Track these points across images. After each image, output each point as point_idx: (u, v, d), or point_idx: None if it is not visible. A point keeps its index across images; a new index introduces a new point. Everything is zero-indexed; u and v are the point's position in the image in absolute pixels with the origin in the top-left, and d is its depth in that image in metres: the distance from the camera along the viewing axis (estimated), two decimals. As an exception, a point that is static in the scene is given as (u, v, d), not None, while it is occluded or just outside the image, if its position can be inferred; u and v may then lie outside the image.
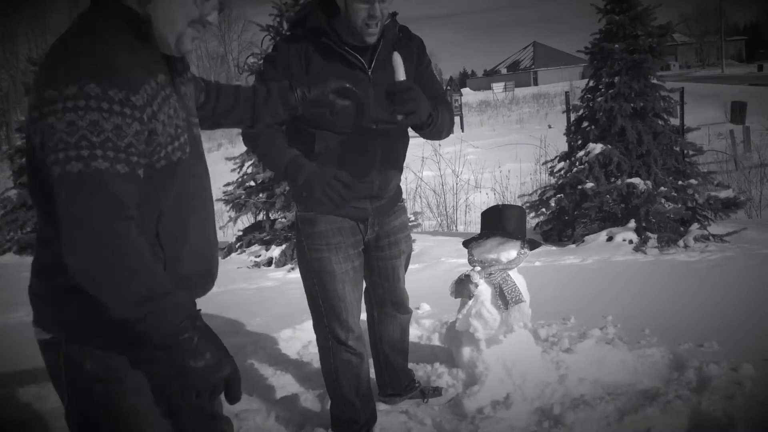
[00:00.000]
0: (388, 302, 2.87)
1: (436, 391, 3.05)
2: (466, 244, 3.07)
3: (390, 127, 2.46)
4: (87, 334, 1.42)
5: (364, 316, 2.84)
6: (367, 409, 2.74)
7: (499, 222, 2.94)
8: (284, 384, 3.30)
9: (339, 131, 2.43)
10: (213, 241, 1.61)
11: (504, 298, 2.89)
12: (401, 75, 2.23)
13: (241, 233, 7.06)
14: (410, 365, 3.19)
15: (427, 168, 10.16)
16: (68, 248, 1.27)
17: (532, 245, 3.02)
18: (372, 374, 2.98)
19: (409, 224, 6.23)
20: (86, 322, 1.39)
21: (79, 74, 1.27)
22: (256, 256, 6.61)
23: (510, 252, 2.94)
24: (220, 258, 7.50)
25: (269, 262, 6.50)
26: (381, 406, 2.93)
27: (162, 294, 1.30)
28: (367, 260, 2.73)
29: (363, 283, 2.74)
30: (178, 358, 1.30)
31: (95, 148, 1.26)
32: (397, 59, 2.25)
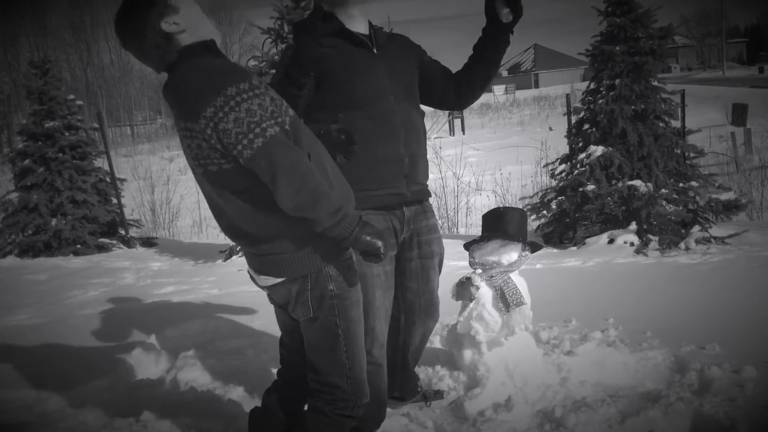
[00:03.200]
0: (417, 306, 2.81)
1: (438, 394, 3.04)
2: (467, 246, 3.07)
3: (406, 99, 2.62)
4: (323, 265, 2.01)
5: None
6: (379, 417, 2.67)
7: (500, 224, 2.94)
8: (285, 387, 3.30)
9: (362, 106, 2.49)
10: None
11: (505, 300, 2.89)
12: None
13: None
14: (412, 368, 3.19)
15: (428, 170, 10.14)
16: (290, 189, 1.81)
17: (533, 248, 3.02)
18: None
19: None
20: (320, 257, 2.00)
21: (226, 81, 1.81)
22: (257, 259, 6.60)
23: (511, 254, 2.94)
24: (221, 261, 7.41)
25: (270, 265, 6.49)
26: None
27: (343, 205, 1.88)
28: (397, 262, 2.70)
29: (393, 289, 2.68)
30: (363, 239, 1.91)
31: (264, 121, 1.82)
32: None
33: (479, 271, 2.97)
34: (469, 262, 3.04)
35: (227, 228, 2.06)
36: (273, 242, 1.97)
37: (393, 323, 2.86)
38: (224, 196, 1.96)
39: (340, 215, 1.85)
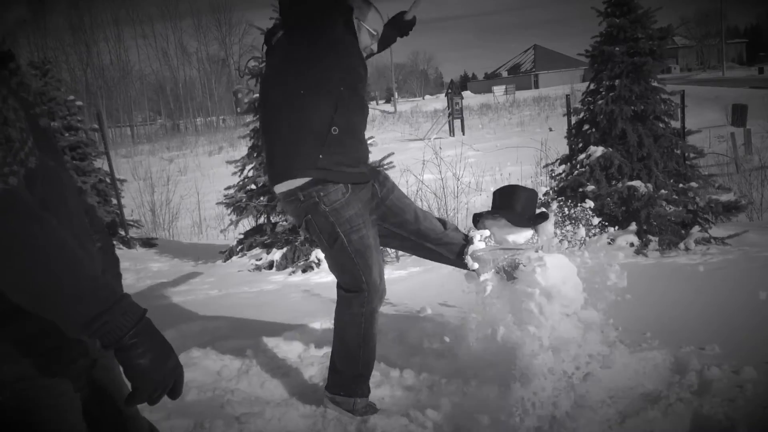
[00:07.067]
0: (430, 230, 2.93)
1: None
2: (476, 217, 3.06)
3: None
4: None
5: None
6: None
7: (510, 202, 2.97)
8: (285, 387, 3.30)
9: (358, 97, 2.66)
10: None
11: (509, 273, 2.89)
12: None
13: (242, 236, 7.06)
14: (409, 369, 3.18)
15: (428, 171, 10.15)
16: (13, 278, 1.10)
17: (539, 219, 3.04)
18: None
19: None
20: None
21: None
22: (257, 260, 6.61)
23: (523, 234, 2.94)
24: (221, 261, 7.38)
25: (270, 266, 6.50)
26: (381, 412, 2.93)
27: (103, 310, 1.18)
28: (389, 208, 2.86)
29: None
30: (126, 358, 1.23)
31: None
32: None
33: (487, 233, 2.95)
34: (473, 221, 3.03)
35: None
36: None
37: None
38: None
39: (97, 325, 1.17)
